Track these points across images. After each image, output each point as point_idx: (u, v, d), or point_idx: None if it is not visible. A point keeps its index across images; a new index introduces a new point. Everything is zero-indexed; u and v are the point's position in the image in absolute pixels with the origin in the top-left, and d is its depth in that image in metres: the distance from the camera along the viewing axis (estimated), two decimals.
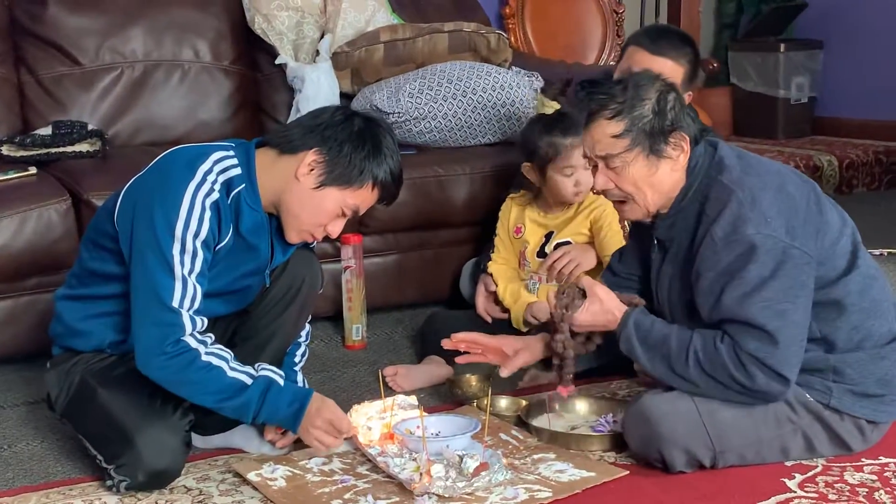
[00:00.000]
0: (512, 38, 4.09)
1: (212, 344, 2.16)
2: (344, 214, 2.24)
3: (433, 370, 2.83)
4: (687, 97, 2.75)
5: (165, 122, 3.58)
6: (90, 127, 3.33)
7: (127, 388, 2.21)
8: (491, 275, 3.05)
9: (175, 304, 2.10)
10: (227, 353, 2.18)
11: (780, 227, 2.08)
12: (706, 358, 2.10)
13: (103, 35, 3.53)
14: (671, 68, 2.76)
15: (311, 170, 2.18)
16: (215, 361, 2.14)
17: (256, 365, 2.24)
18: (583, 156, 2.31)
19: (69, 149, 3.21)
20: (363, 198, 2.23)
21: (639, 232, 2.40)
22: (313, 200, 2.20)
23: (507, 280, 3.03)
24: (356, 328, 3.17)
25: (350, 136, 2.18)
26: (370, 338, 3.21)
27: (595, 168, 2.22)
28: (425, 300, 3.46)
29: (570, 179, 2.90)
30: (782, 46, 5.66)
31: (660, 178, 2.18)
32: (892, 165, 5.22)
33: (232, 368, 2.16)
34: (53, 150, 3.20)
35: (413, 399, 2.42)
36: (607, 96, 2.17)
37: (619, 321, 2.22)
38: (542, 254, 3.00)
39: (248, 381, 2.16)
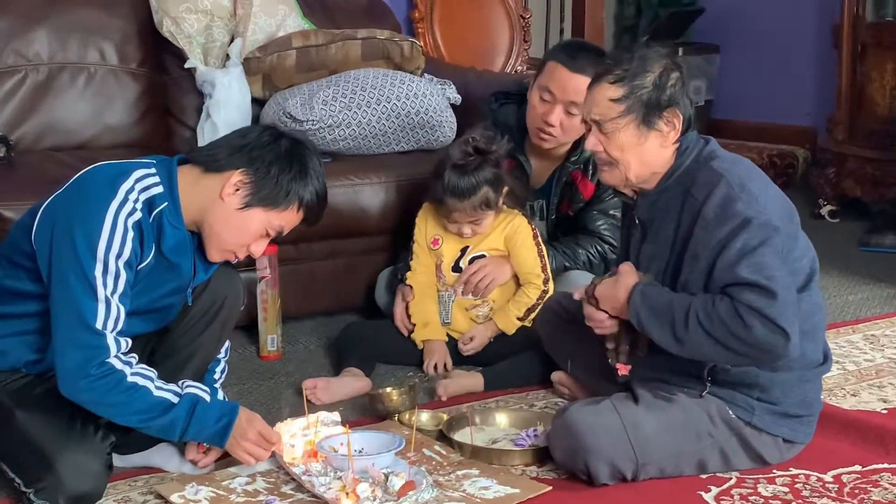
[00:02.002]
0: (421, 43, 4.10)
1: (136, 364, 2.14)
2: (268, 235, 2.24)
3: (352, 383, 2.84)
4: None
5: (71, 126, 3.50)
6: None
7: (45, 409, 2.18)
8: (410, 286, 3.06)
9: (99, 325, 2.07)
10: (152, 373, 2.16)
11: (768, 208, 2.16)
12: (705, 316, 2.11)
13: (6, 37, 3.43)
14: None
15: (237, 190, 2.17)
16: (141, 382, 2.12)
17: (181, 382, 2.22)
18: (581, 121, 2.38)
19: None
20: (288, 219, 2.23)
21: (625, 215, 2.49)
22: (237, 221, 2.19)
23: (422, 296, 3.04)
24: (271, 339, 3.15)
25: (277, 158, 2.18)
26: (285, 348, 3.20)
27: (589, 129, 2.29)
28: (339, 309, 3.45)
29: (455, 226, 2.97)
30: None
31: (647, 150, 2.24)
32: (787, 168, 5.40)
33: (157, 388, 2.14)
34: None
35: (336, 415, 2.42)
36: (614, 62, 2.26)
37: (629, 292, 2.23)
38: (457, 268, 3.02)
39: (175, 399, 2.15)
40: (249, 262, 3.16)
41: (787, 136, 5.59)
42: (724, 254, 2.13)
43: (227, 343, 2.53)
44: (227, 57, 3.64)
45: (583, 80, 2.65)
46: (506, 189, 2.93)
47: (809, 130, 5.50)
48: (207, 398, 2.21)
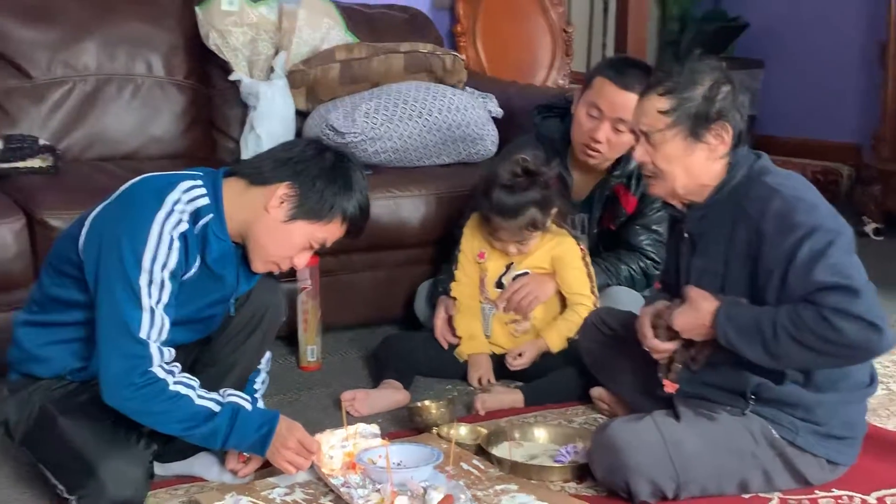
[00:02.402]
0: (463, 56, 4.11)
1: (179, 373, 2.15)
2: (311, 247, 2.26)
3: (391, 395, 2.84)
4: None
5: (117, 136, 3.54)
6: (41, 142, 3.29)
7: (89, 416, 2.20)
8: (453, 299, 3.05)
9: (143, 335, 2.09)
10: (194, 382, 2.17)
11: (827, 217, 2.15)
12: (793, 327, 2.08)
13: (55, 48, 3.49)
14: None
15: (282, 203, 2.19)
16: (183, 390, 2.13)
17: (222, 391, 2.24)
18: (629, 131, 2.39)
19: (20, 164, 3.17)
20: (331, 232, 2.25)
21: (672, 229, 2.48)
22: (282, 233, 2.21)
23: (467, 309, 3.04)
24: (311, 349, 3.17)
25: (322, 172, 2.20)
26: (324, 359, 3.21)
27: (637, 139, 2.29)
28: (379, 320, 3.47)
29: (500, 244, 2.96)
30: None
31: (694, 162, 2.24)
32: (830, 185, 5.35)
33: (199, 396, 2.15)
34: (4, 166, 3.15)
35: (375, 428, 2.43)
36: (665, 74, 2.25)
37: (712, 316, 2.20)
38: (500, 284, 3.01)
39: (216, 408, 2.16)
40: (290, 273, 3.18)
41: (831, 153, 5.54)
42: (795, 264, 2.11)
43: (268, 354, 2.54)
44: (272, 69, 3.67)
45: (631, 98, 2.64)
46: (554, 210, 2.92)
47: (854, 147, 5.46)
48: (249, 407, 2.23)
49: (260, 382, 2.53)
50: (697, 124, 2.21)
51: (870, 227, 4.77)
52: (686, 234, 2.34)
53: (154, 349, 2.11)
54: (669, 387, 2.33)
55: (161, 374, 2.11)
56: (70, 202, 2.86)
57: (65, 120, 3.48)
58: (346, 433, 2.37)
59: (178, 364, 2.17)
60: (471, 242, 3.06)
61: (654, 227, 3.10)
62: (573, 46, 4.79)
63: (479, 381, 2.95)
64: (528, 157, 2.91)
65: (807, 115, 5.71)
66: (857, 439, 2.29)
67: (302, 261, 2.27)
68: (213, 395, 2.19)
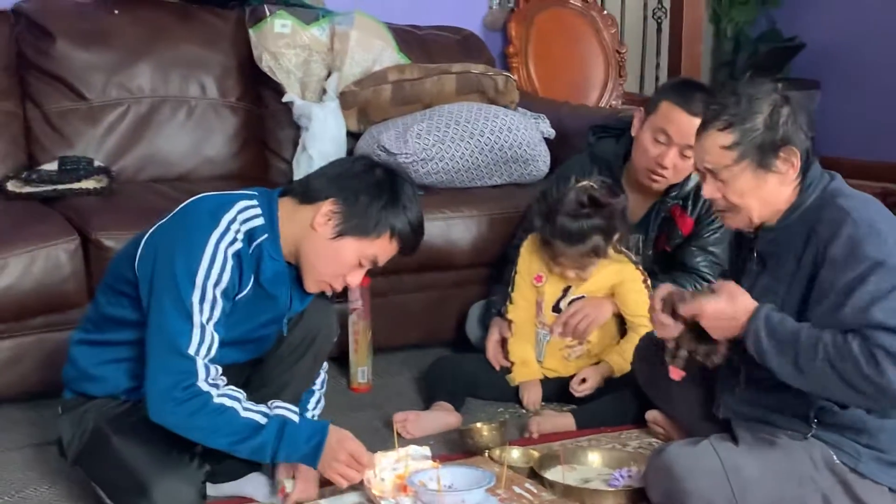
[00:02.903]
0: (515, 77, 4.10)
1: (224, 386, 2.13)
2: (362, 265, 2.24)
3: (442, 417, 2.81)
4: None
5: (171, 158, 3.57)
6: (96, 163, 3.32)
7: (142, 435, 2.19)
8: (509, 321, 3.02)
9: (191, 351, 2.09)
10: (240, 394, 2.15)
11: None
12: (836, 351, 2.01)
13: (110, 71, 3.52)
14: None
15: (328, 220, 2.18)
16: (228, 402, 2.11)
17: (270, 403, 2.21)
18: (694, 169, 2.32)
19: (75, 185, 3.20)
20: (381, 248, 2.22)
21: (737, 243, 2.42)
22: (331, 250, 2.20)
23: (522, 333, 3.00)
24: (362, 371, 3.15)
25: (368, 187, 2.18)
26: (375, 380, 3.19)
27: (704, 176, 2.23)
28: (430, 341, 3.44)
29: (559, 269, 2.91)
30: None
31: (768, 191, 2.18)
32: (891, 207, 5.23)
33: (245, 409, 2.13)
34: (60, 187, 3.18)
35: (426, 450, 2.40)
36: (720, 107, 2.17)
37: (749, 314, 2.13)
38: (557, 308, 2.97)
39: (263, 420, 2.14)
40: (341, 294, 3.16)
41: (889, 174, 5.44)
42: (854, 297, 2.04)
43: (322, 375, 2.52)
44: (324, 91, 3.69)
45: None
46: (617, 237, 2.86)
47: None
48: (296, 419, 2.19)
49: (314, 402, 2.51)
50: (765, 154, 2.13)
51: None
52: (756, 253, 2.28)
53: (200, 365, 2.10)
54: (675, 373, 2.25)
55: (204, 387, 2.09)
56: (124, 223, 2.88)
57: (119, 141, 3.51)
58: (398, 455, 2.35)
59: (223, 378, 2.15)
60: (528, 264, 3.01)
61: (710, 249, 3.04)
62: (626, 67, 4.76)
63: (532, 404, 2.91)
64: (596, 184, 2.84)
65: (865, 135, 5.61)
66: None
67: (355, 279, 2.26)
68: (260, 407, 2.16)
